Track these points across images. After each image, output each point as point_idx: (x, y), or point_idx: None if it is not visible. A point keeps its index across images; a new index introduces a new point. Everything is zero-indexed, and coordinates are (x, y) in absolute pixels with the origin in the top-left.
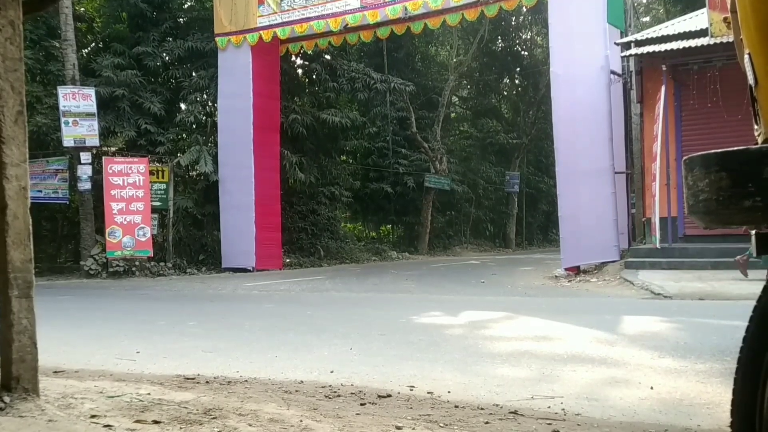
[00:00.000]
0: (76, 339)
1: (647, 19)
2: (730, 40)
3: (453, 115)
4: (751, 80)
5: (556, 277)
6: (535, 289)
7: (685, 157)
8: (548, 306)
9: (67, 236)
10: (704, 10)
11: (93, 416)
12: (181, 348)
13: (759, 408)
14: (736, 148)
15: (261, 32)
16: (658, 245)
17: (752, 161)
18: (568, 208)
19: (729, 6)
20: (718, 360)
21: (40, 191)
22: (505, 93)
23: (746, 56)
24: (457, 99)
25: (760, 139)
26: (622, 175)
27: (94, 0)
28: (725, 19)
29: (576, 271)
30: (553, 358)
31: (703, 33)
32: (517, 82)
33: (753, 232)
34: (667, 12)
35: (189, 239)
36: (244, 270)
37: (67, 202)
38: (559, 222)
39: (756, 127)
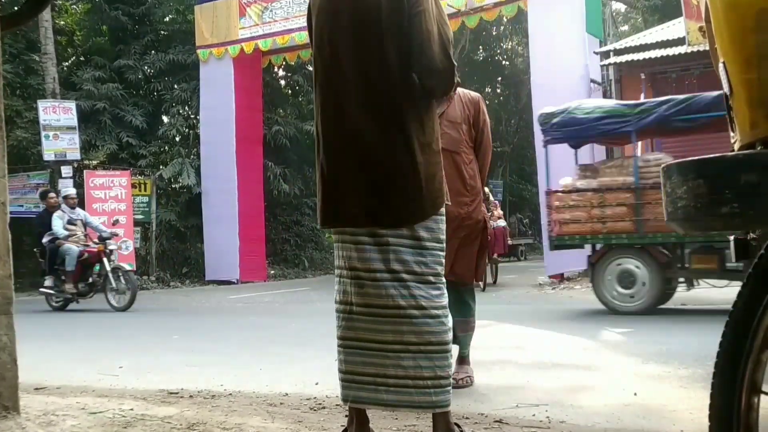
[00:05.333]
0: (58, 355)
1: (626, 28)
2: (707, 48)
3: None
4: (726, 88)
5: (540, 284)
6: (520, 297)
7: (662, 165)
8: (532, 313)
9: None
10: (681, 19)
11: None
12: (164, 362)
13: (736, 414)
14: (712, 156)
15: (242, 44)
16: None
17: (729, 168)
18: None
19: (703, 15)
20: (700, 365)
21: (21, 206)
22: (487, 102)
23: (720, 65)
24: None
25: (736, 146)
26: None
27: (74, 14)
28: (701, 28)
29: (560, 278)
30: (537, 366)
31: (680, 41)
32: (498, 91)
33: (731, 238)
34: (645, 21)
35: (172, 252)
36: (228, 282)
37: None
38: (542, 230)
39: (732, 134)
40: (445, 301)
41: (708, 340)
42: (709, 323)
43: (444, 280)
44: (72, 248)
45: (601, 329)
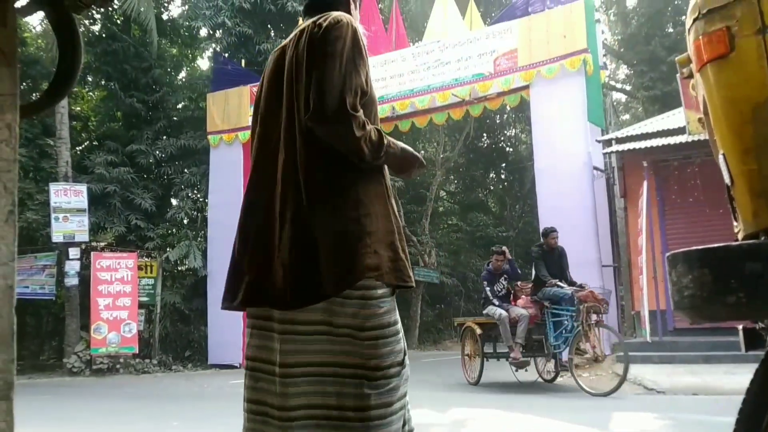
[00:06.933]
0: None
1: (627, 117)
2: (707, 137)
3: (441, 209)
4: (727, 180)
5: (548, 371)
6: (528, 385)
7: (668, 254)
8: (540, 402)
9: (51, 332)
10: (681, 109)
11: None
12: None
13: None
14: (717, 245)
15: None
16: (648, 339)
17: (733, 257)
18: None
19: (701, 108)
20: None
21: (27, 287)
22: (492, 188)
23: (720, 156)
24: (444, 193)
25: (740, 236)
26: (610, 268)
27: (90, 100)
28: (700, 119)
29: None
30: None
31: (681, 131)
32: (503, 176)
33: (740, 327)
34: (645, 111)
35: (175, 335)
36: (231, 366)
37: (54, 298)
38: None
39: (735, 223)
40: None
41: (718, 431)
42: (720, 414)
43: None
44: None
45: (611, 420)
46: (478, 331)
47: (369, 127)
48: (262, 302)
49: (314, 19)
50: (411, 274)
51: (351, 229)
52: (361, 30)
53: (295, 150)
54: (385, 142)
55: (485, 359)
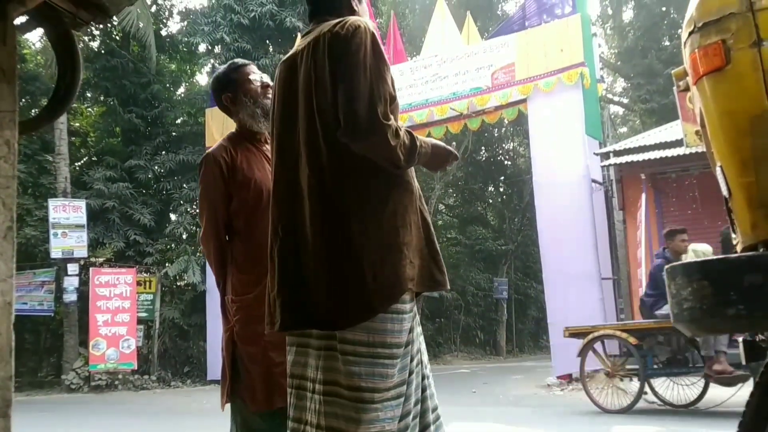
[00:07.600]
0: None
1: (624, 129)
2: (705, 149)
3: (440, 222)
4: (724, 192)
5: (548, 385)
6: (528, 398)
7: (667, 266)
8: (541, 416)
9: (49, 349)
10: (678, 121)
11: None
12: None
13: None
14: (716, 257)
15: None
16: None
17: (733, 269)
18: (556, 314)
19: (698, 121)
20: None
21: (26, 303)
22: (491, 201)
23: (718, 168)
24: (443, 207)
25: (738, 248)
26: (609, 281)
27: (89, 116)
28: (697, 132)
29: (568, 378)
30: None
31: (679, 143)
32: (501, 190)
33: (740, 339)
34: (643, 123)
35: (174, 350)
36: None
37: (52, 314)
38: (548, 329)
39: (734, 235)
40: None
41: None
42: (721, 427)
43: None
44: None
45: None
46: (633, 341)
47: (401, 133)
48: (305, 324)
49: (329, 27)
50: (442, 273)
51: (391, 241)
52: (371, 25)
53: (320, 165)
54: (418, 144)
55: (664, 380)
